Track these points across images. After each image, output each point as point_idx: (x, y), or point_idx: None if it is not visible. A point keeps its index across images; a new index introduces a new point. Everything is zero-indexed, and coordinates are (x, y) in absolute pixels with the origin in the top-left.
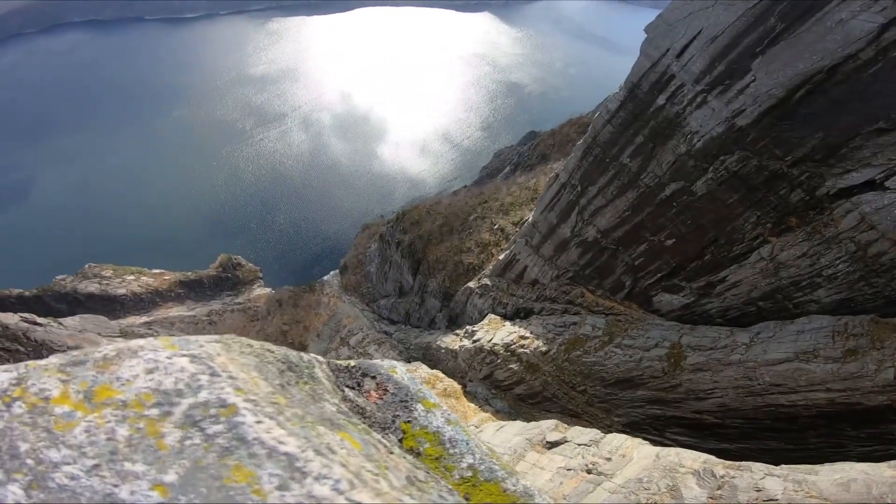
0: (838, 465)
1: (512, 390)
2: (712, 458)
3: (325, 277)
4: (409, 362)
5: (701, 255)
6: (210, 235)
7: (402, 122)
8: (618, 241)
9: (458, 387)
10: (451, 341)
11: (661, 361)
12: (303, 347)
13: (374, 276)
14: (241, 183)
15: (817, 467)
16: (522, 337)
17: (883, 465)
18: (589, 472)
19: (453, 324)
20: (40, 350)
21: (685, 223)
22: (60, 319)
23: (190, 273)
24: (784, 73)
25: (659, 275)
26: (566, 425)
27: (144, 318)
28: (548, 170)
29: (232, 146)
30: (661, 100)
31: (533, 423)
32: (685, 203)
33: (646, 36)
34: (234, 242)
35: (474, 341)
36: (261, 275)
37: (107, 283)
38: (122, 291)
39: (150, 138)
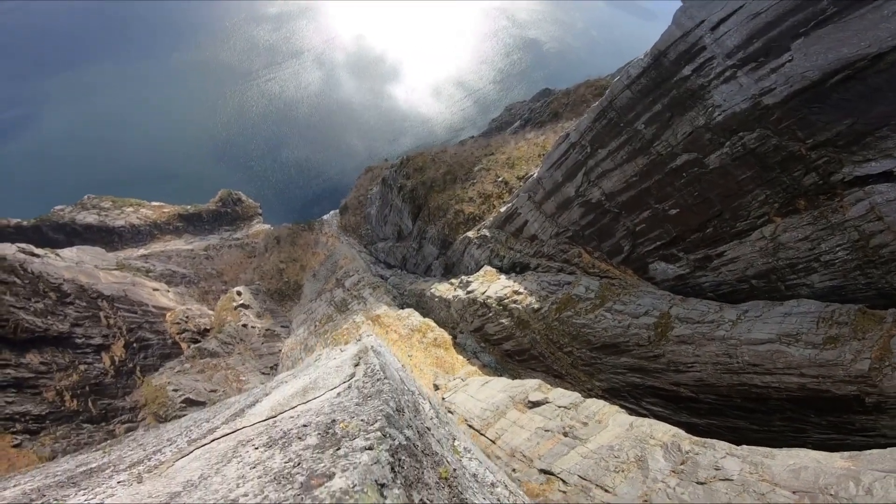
0: (794, 452)
1: (501, 345)
2: (681, 432)
3: (325, 217)
4: (402, 308)
5: (703, 227)
6: (211, 170)
7: (416, 66)
8: (621, 205)
9: (448, 337)
10: (446, 290)
11: (648, 330)
12: (298, 286)
13: (373, 218)
14: (247, 121)
15: (775, 451)
16: (516, 292)
17: (836, 456)
18: (565, 434)
19: (449, 272)
20: (37, 283)
21: (692, 194)
22: (58, 251)
23: (189, 206)
24: (825, 56)
25: (658, 243)
26: (549, 386)
27: (142, 251)
28: (559, 128)
29: (238, 85)
30: (686, 70)
31: (518, 381)
32: (695, 175)
33: (681, 4)
34: (235, 178)
35: (468, 292)
36: (260, 211)
37: (105, 215)
38: (120, 223)
39: (156, 76)
